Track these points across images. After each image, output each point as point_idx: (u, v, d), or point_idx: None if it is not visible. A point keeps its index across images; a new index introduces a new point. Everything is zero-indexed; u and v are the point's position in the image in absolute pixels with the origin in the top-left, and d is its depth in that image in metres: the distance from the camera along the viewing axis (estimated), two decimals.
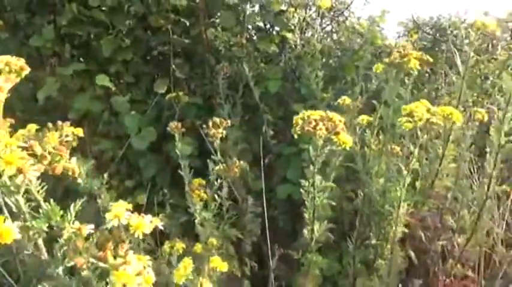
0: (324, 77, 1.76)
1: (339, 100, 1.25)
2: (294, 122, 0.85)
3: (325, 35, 2.47)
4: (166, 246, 0.97)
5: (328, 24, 2.51)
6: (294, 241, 1.55)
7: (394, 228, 0.97)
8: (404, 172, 0.91)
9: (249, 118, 1.98)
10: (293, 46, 1.88)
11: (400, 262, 1.08)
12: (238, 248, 1.50)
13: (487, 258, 1.35)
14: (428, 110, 0.88)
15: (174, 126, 1.19)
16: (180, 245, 0.97)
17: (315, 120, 0.83)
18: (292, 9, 1.84)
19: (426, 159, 1.21)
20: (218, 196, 1.13)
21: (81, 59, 2.06)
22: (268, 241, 1.15)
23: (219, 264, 0.76)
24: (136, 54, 2.01)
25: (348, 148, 0.83)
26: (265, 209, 1.09)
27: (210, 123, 1.12)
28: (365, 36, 1.79)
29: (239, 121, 1.93)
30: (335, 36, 2.47)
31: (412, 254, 1.23)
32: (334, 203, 1.00)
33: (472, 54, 1.10)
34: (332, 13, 2.22)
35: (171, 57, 1.86)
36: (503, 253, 1.26)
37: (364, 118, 1.07)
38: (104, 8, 1.92)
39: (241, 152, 1.93)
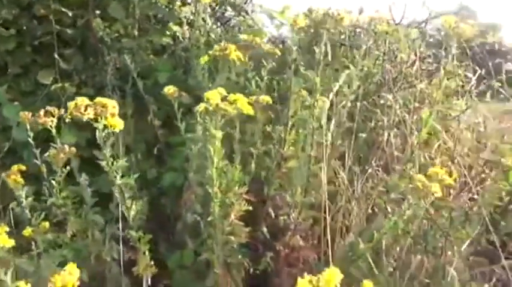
0: (209, 68, 1.84)
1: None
2: (68, 108, 0.93)
3: (231, 28, 2.57)
4: None
5: (230, 18, 2.60)
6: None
7: (214, 204, 1.08)
8: (212, 153, 1.02)
9: (140, 109, 2.02)
10: (182, 39, 1.94)
11: (243, 237, 1.20)
12: None
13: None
14: (223, 98, 1.00)
15: (24, 116, 1.21)
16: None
17: (86, 106, 0.91)
18: (178, 3, 1.90)
19: (274, 145, 1.34)
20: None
21: None
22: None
23: (3, 241, 0.82)
24: (23, 44, 1.97)
25: (117, 130, 0.92)
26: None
27: (42, 112, 1.15)
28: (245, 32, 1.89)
29: (132, 112, 1.97)
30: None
31: (265, 229, 1.37)
32: (133, 184, 1.10)
33: (294, 48, 1.24)
34: (226, 8, 2.31)
35: (55, 47, 1.85)
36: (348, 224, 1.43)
37: (202, 106, 1.17)
38: None
39: (134, 142, 1.98)
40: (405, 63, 1.90)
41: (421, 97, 1.93)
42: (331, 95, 1.17)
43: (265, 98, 1.23)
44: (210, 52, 1.26)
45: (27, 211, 1.13)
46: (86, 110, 0.89)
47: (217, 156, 1.03)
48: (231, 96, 1.00)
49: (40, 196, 1.32)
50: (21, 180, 1.11)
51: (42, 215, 1.14)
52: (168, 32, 2.12)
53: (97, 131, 0.95)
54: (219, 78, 1.28)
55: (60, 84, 1.83)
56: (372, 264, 1.12)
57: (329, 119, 1.49)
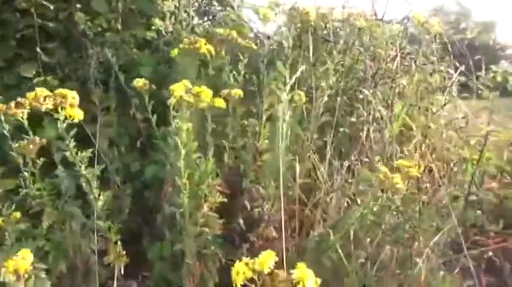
0: None
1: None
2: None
3: (218, 23, 2.57)
4: None
5: (216, 13, 2.61)
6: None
7: (183, 195, 1.10)
8: (180, 146, 1.04)
9: (124, 102, 2.02)
10: (164, 33, 1.95)
11: (217, 228, 1.22)
12: None
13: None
14: (187, 91, 1.01)
15: None
16: None
17: (45, 96, 0.92)
18: None
19: (249, 138, 1.36)
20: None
21: None
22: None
23: None
24: (6, 37, 1.97)
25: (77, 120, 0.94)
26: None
27: (13, 104, 1.16)
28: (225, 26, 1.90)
29: (115, 106, 1.98)
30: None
31: (241, 221, 1.39)
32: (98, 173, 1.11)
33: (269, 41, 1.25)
34: (212, 2, 2.31)
35: (37, 40, 1.85)
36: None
37: (172, 99, 1.18)
38: None
39: (117, 135, 1.99)
40: (385, 59, 1.92)
41: (401, 92, 1.96)
42: (287, 87, 1.18)
43: (237, 92, 1.24)
44: (180, 46, 1.27)
45: None
46: (44, 100, 0.91)
47: (185, 147, 1.04)
48: (195, 89, 1.02)
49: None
50: None
51: (13, 206, 1.15)
52: (152, 27, 2.12)
53: (58, 122, 0.96)
54: (190, 71, 1.30)
55: (43, 78, 1.83)
56: (341, 254, 1.14)
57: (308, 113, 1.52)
